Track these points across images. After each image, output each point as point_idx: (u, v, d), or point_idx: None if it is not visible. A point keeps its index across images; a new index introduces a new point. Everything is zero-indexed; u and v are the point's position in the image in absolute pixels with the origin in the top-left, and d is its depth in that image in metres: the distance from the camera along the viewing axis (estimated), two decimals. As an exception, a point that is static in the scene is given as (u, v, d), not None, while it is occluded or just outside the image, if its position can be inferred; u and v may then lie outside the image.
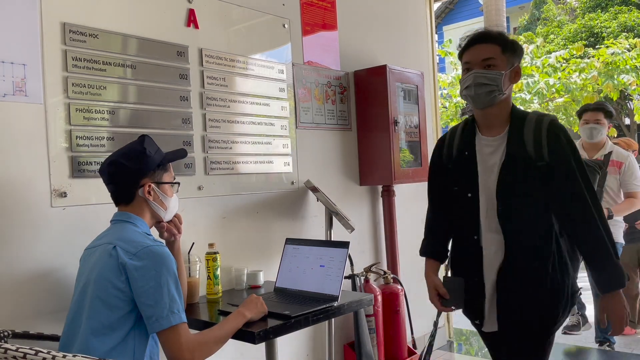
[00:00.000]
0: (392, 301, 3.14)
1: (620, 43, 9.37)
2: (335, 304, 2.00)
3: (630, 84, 8.83)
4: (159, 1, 2.31)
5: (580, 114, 3.56)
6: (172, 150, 1.88)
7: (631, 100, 12.34)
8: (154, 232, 1.84)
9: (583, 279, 2.01)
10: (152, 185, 1.72)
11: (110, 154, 1.78)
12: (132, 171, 1.70)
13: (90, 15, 2.07)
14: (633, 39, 10.38)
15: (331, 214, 2.84)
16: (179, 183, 1.85)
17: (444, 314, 4.04)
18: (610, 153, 3.31)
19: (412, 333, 3.39)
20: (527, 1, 17.57)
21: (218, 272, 2.28)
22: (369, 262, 3.23)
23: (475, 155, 1.80)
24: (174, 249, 1.90)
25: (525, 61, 9.64)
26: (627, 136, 14.52)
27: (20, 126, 1.87)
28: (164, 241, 1.86)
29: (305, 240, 2.36)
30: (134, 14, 2.21)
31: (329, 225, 2.89)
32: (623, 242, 3.56)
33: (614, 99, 9.50)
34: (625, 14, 12.59)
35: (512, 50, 1.76)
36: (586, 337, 3.90)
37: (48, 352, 1.20)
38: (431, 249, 1.97)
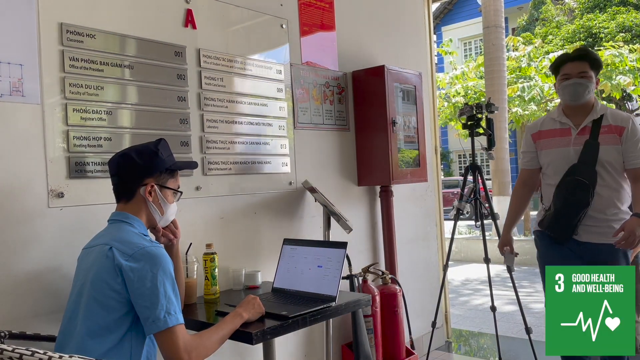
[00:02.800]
0: (390, 301, 3.14)
1: (619, 46, 9.40)
2: (333, 304, 2.00)
3: (627, 84, 8.86)
4: (157, 1, 2.31)
5: (556, 67, 2.58)
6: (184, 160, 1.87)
7: (630, 101, 12.36)
8: (150, 234, 1.83)
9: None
10: (155, 186, 1.72)
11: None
12: (139, 167, 1.71)
13: (87, 16, 2.07)
14: (631, 39, 10.40)
15: (329, 215, 2.84)
16: (181, 192, 1.84)
17: (440, 314, 4.04)
18: (602, 117, 2.48)
19: (410, 333, 3.39)
20: (525, 2, 17.60)
21: (216, 272, 2.28)
22: (367, 263, 3.23)
23: None
24: (172, 252, 1.90)
25: (523, 62, 9.67)
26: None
27: (18, 126, 1.87)
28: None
29: (303, 241, 2.36)
30: (131, 14, 2.21)
31: (327, 225, 2.89)
32: None
33: (617, 97, 9.52)
34: (624, 14, 12.60)
35: None
36: None
37: (44, 353, 1.20)
38: None
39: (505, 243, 2.78)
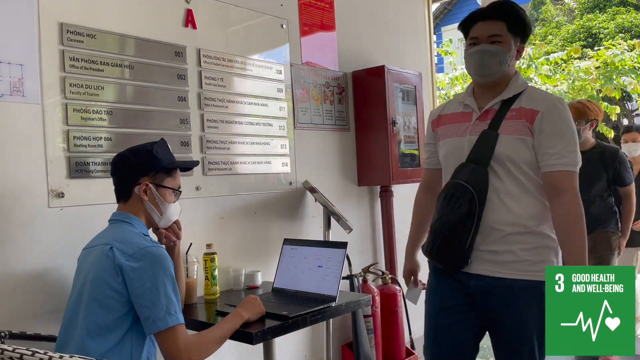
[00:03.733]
0: (390, 302, 3.13)
1: (619, 44, 9.39)
2: (333, 304, 2.00)
3: (630, 85, 8.85)
4: (157, 1, 2.31)
5: (465, 28, 1.91)
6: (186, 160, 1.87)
7: (630, 101, 12.37)
8: (153, 235, 1.83)
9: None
10: (150, 185, 1.71)
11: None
12: (133, 165, 1.71)
13: (87, 16, 2.07)
14: (631, 39, 10.40)
15: (329, 215, 2.84)
16: (180, 191, 1.84)
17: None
18: (515, 98, 1.76)
19: (410, 333, 3.38)
20: (525, 2, 17.59)
21: (216, 272, 2.28)
22: (367, 263, 3.23)
23: None
24: (173, 253, 1.89)
25: (523, 64, 9.65)
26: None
27: (18, 126, 1.87)
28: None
29: (303, 241, 2.36)
30: (131, 14, 2.21)
31: (327, 225, 2.88)
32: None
33: (617, 97, 9.51)
34: (623, 14, 12.61)
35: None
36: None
37: (45, 353, 1.20)
38: None
39: (411, 271, 2.04)
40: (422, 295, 2.00)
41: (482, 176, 1.71)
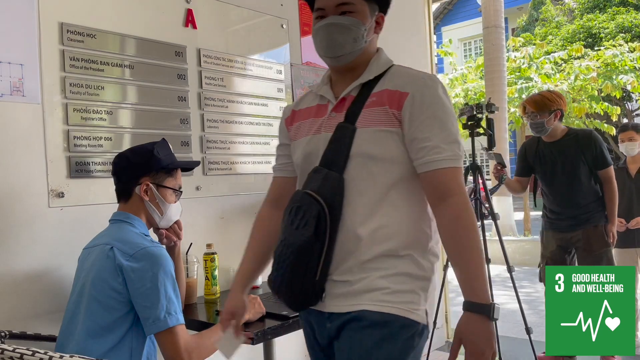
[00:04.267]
0: (390, 302, 3.13)
1: (620, 45, 9.41)
2: (333, 304, 1.99)
3: (629, 83, 8.87)
4: (157, 1, 2.31)
5: None
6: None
7: (630, 101, 12.38)
8: (153, 234, 1.83)
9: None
10: (150, 185, 1.72)
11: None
12: (133, 166, 1.71)
13: (88, 15, 2.07)
14: (631, 39, 10.42)
15: (329, 215, 2.84)
16: (181, 191, 1.84)
17: (440, 314, 4.03)
18: (376, 81, 1.38)
19: (410, 333, 3.38)
20: (525, 2, 17.60)
21: (216, 272, 2.28)
22: (367, 263, 3.22)
23: None
24: (174, 253, 1.90)
25: (524, 64, 9.66)
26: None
27: (18, 126, 1.87)
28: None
29: (303, 241, 2.36)
30: (131, 14, 2.21)
31: (327, 225, 2.88)
32: None
33: (617, 96, 9.53)
34: (624, 14, 12.62)
35: None
36: None
37: (45, 353, 1.20)
38: None
39: (232, 313, 1.48)
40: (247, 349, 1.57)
41: (337, 184, 1.30)
